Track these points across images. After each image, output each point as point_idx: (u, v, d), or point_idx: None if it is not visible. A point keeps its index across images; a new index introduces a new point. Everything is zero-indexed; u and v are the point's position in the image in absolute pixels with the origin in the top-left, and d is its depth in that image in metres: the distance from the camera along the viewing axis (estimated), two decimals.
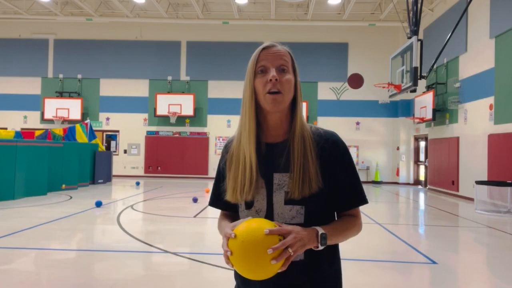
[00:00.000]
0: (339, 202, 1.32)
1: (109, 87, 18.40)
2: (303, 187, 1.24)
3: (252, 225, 1.15)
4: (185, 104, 17.73)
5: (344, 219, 1.33)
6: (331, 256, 1.33)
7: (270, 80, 1.25)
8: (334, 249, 1.34)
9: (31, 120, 18.41)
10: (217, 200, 1.43)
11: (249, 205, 1.30)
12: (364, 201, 1.34)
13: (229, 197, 1.32)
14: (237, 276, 1.36)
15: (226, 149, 1.41)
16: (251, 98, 1.29)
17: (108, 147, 18.17)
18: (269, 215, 1.27)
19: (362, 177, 17.63)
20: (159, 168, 18.05)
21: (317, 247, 1.20)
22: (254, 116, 1.29)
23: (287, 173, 1.27)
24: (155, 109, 17.82)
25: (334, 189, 1.30)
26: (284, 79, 1.27)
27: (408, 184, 17.26)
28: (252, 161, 1.28)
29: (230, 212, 1.42)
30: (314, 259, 1.27)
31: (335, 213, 1.37)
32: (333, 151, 1.31)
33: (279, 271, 1.13)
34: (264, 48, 1.31)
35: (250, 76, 1.30)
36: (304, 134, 1.30)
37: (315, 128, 1.35)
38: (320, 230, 1.20)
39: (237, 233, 1.14)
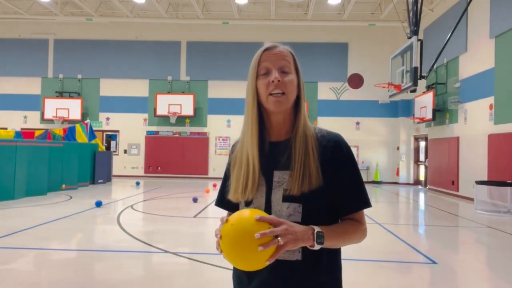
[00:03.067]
0: (340, 204, 1.29)
1: (109, 87, 18.40)
2: (302, 183, 1.23)
3: (245, 212, 1.16)
4: (185, 104, 17.73)
5: (346, 223, 1.30)
6: (331, 261, 1.29)
7: (273, 81, 1.25)
8: (335, 254, 1.31)
9: (31, 120, 18.41)
10: (221, 200, 1.44)
11: (248, 202, 1.31)
12: (366, 204, 1.31)
13: (231, 196, 1.34)
14: (234, 276, 1.37)
15: (232, 149, 1.43)
16: (253, 99, 1.30)
17: (108, 147, 18.16)
18: (267, 213, 1.25)
19: (362, 177, 17.61)
20: (159, 168, 18.05)
21: (313, 246, 1.17)
22: (256, 117, 1.30)
23: (287, 170, 1.27)
24: (155, 109, 17.83)
25: (334, 191, 1.28)
26: (287, 80, 1.27)
27: (408, 184, 17.26)
28: (254, 161, 1.29)
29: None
30: (311, 261, 1.24)
31: (339, 219, 1.33)
32: (335, 151, 1.29)
33: (267, 263, 1.11)
34: (266, 49, 1.31)
35: (252, 77, 1.30)
36: (306, 133, 1.30)
37: (318, 129, 1.34)
38: (317, 229, 1.18)
39: (230, 218, 1.16)
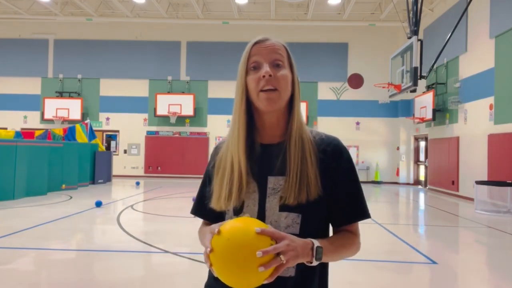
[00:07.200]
0: (337, 214, 1.18)
1: (109, 87, 18.39)
2: (300, 192, 1.11)
3: (241, 223, 1.01)
4: (185, 104, 17.73)
5: (342, 235, 1.18)
6: (323, 277, 1.18)
7: (263, 76, 1.13)
8: (326, 267, 1.21)
9: (31, 120, 18.41)
10: (199, 207, 1.30)
11: (237, 211, 1.15)
12: (365, 215, 1.20)
13: (213, 203, 1.19)
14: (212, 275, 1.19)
15: (216, 151, 1.28)
16: (242, 97, 1.17)
17: (108, 147, 18.16)
18: None
19: (362, 177, 17.60)
20: (159, 168, 18.05)
21: (311, 262, 1.05)
22: (244, 116, 1.17)
23: (283, 176, 1.14)
24: (155, 109, 17.82)
25: (333, 199, 1.17)
26: (280, 75, 1.14)
27: (408, 184, 17.26)
28: (241, 164, 1.15)
29: (213, 223, 1.26)
30: (305, 277, 1.12)
31: (332, 229, 1.23)
32: (335, 156, 1.18)
33: (265, 282, 0.97)
34: (256, 42, 1.18)
35: (242, 73, 1.17)
36: (302, 135, 1.18)
37: (316, 132, 1.23)
38: (316, 243, 1.06)
39: (223, 230, 0.99)
